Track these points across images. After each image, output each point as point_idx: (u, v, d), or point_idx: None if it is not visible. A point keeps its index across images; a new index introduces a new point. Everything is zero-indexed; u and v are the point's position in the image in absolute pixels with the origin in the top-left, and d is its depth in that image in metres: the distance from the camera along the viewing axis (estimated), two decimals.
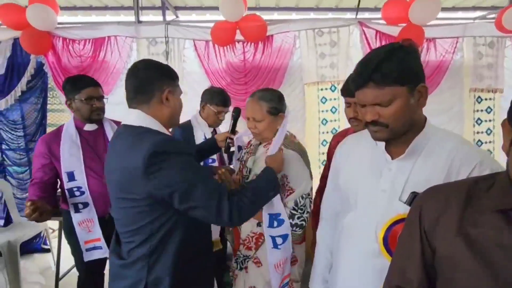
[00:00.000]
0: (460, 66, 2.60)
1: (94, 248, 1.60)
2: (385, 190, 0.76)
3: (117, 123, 1.72)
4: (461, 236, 0.55)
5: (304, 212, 1.16)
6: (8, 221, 2.58)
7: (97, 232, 1.59)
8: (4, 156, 2.77)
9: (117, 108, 2.63)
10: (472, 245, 0.54)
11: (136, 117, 0.95)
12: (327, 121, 2.73)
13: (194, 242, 0.97)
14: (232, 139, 1.39)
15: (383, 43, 2.58)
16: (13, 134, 2.74)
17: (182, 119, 1.25)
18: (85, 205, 1.56)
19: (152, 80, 0.95)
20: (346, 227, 0.86)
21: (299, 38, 2.58)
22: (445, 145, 0.73)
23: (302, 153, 1.23)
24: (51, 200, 1.48)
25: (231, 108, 1.73)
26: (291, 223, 1.15)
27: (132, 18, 2.77)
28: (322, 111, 2.70)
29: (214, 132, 1.89)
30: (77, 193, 1.55)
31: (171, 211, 0.91)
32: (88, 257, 1.59)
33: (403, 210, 0.70)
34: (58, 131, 1.60)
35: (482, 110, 2.66)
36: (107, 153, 1.02)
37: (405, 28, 2.47)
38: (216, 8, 3.56)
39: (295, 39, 2.58)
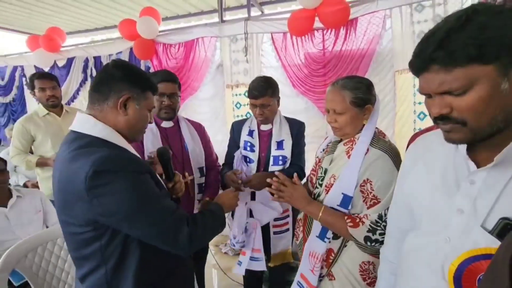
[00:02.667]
0: None
1: None
2: (463, 211, 0.54)
3: (195, 124, 1.69)
4: None
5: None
6: None
7: None
8: None
9: (203, 103, 2.89)
10: None
11: (82, 122, 0.83)
12: (425, 116, 2.25)
13: (155, 262, 0.86)
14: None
15: None
16: None
17: None
18: None
19: (111, 81, 0.84)
20: (407, 251, 0.66)
21: (390, 17, 2.20)
22: None
23: (394, 154, 1.00)
24: None
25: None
26: (370, 237, 0.95)
27: (215, 18, 2.97)
28: (419, 103, 2.24)
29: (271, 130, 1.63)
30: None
31: (120, 236, 0.79)
32: None
33: (487, 242, 0.48)
34: None
35: None
36: (56, 158, 0.86)
37: None
38: None
39: (385, 19, 2.20)
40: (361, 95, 1.02)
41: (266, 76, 1.59)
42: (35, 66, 3.76)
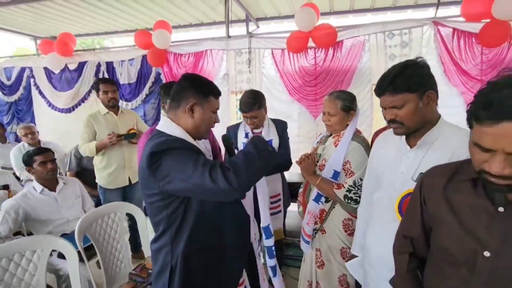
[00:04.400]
0: None
1: None
2: (403, 172, 1.02)
3: None
4: (444, 199, 0.80)
5: (359, 190, 1.42)
6: None
7: None
8: None
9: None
10: (451, 205, 0.78)
11: (163, 123, 1.06)
12: None
13: (201, 235, 1.04)
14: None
15: (462, 41, 2.52)
16: None
17: None
18: None
19: (182, 91, 1.04)
20: (374, 202, 1.14)
21: (368, 41, 2.74)
22: (452, 139, 0.94)
23: (365, 145, 1.49)
24: None
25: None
26: (347, 195, 1.42)
27: (220, 31, 3.39)
28: None
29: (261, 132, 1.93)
30: None
31: (182, 206, 0.99)
32: None
33: (413, 186, 0.96)
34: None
35: None
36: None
37: (487, 24, 2.36)
38: (292, 17, 3.95)
39: (364, 42, 2.75)
40: (348, 104, 1.51)
41: (253, 90, 1.88)
42: (44, 68, 3.99)
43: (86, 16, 3.67)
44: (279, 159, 1.76)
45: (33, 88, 4.17)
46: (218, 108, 1.11)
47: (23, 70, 4.16)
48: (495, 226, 0.68)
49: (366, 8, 3.76)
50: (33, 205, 1.98)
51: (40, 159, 2.04)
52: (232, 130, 2.02)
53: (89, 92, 3.84)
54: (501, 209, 0.68)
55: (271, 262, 1.52)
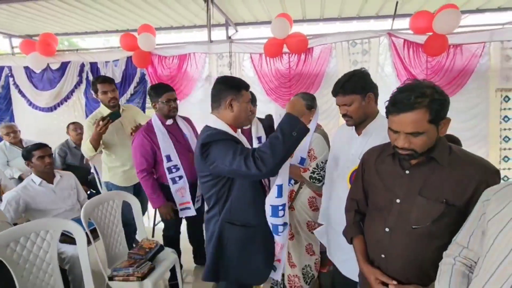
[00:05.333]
0: (487, 69, 2.85)
1: (186, 208, 2.17)
2: (353, 154, 1.38)
3: (185, 118, 2.26)
4: (375, 169, 1.15)
5: (321, 170, 1.74)
6: None
7: (188, 197, 2.12)
8: None
9: (194, 106, 3.56)
10: (378, 173, 1.14)
11: (211, 120, 1.30)
12: None
13: (240, 211, 1.30)
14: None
15: (411, 50, 2.98)
16: None
17: None
18: (180, 177, 2.09)
19: (219, 92, 1.28)
20: (334, 179, 1.49)
21: (335, 49, 3.14)
22: (385, 129, 1.30)
23: (324, 136, 1.84)
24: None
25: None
26: (312, 176, 1.73)
27: (201, 34, 3.65)
28: None
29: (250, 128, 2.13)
30: (174, 170, 2.06)
31: (227, 184, 1.26)
32: (182, 214, 2.15)
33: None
34: (149, 125, 2.07)
35: (510, 108, 2.86)
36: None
37: (430, 37, 2.84)
38: (268, 22, 4.29)
39: (331, 49, 3.14)
40: (310, 103, 1.85)
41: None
42: (25, 68, 4.01)
43: (63, 16, 3.75)
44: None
45: (12, 87, 4.15)
46: (250, 99, 1.35)
47: (1, 69, 4.14)
48: (403, 183, 1.04)
49: (334, 17, 4.19)
50: (33, 196, 2.15)
51: (38, 153, 2.20)
52: None
53: (72, 91, 3.92)
54: (407, 172, 1.04)
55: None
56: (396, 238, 1.02)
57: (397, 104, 0.94)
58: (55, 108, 4.00)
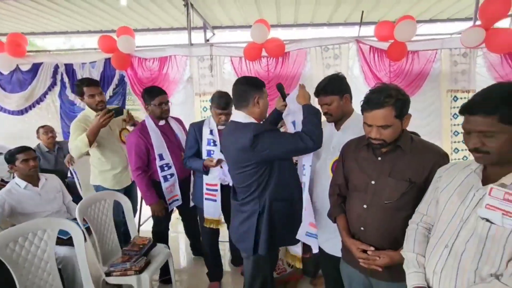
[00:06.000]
0: (439, 73, 3.27)
1: (174, 201, 2.30)
2: (334, 147, 1.59)
3: (176, 119, 2.40)
4: (354, 157, 1.37)
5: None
6: None
7: (176, 191, 2.27)
8: None
9: (176, 108, 3.62)
10: (356, 160, 1.36)
11: (241, 116, 1.48)
12: None
13: (280, 190, 1.51)
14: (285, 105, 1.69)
15: (376, 55, 3.32)
16: None
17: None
18: (172, 175, 2.22)
19: (246, 92, 1.46)
20: (317, 170, 1.69)
21: (309, 53, 3.39)
22: (359, 124, 1.54)
23: None
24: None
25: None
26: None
27: (181, 36, 3.74)
28: None
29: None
30: (166, 168, 2.18)
31: (267, 171, 1.45)
32: (171, 207, 2.28)
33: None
34: (143, 125, 2.16)
35: (458, 107, 3.29)
36: (223, 139, 1.63)
37: (392, 44, 3.19)
38: (245, 27, 4.48)
39: (306, 54, 3.40)
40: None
41: (226, 92, 2.01)
42: None
43: (30, 15, 3.63)
44: None
45: None
46: (268, 95, 1.57)
47: None
48: (375, 167, 1.27)
49: (306, 23, 4.49)
50: (18, 200, 2.12)
51: (22, 157, 2.18)
52: (197, 126, 2.11)
53: (45, 93, 3.79)
54: (379, 158, 1.27)
55: None
56: (372, 212, 1.25)
57: (370, 103, 1.17)
58: (27, 111, 3.83)
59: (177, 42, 3.73)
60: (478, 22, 2.96)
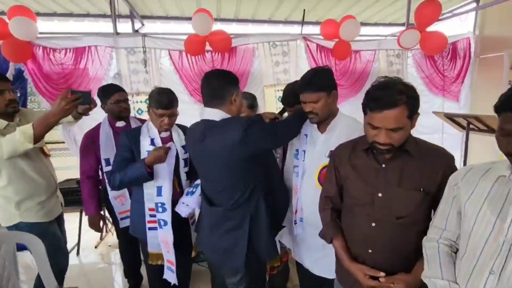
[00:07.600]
0: (378, 72, 3.44)
1: (126, 217, 1.95)
2: (320, 152, 1.37)
3: (141, 121, 2.09)
4: (350, 164, 1.16)
5: None
6: None
7: (129, 206, 1.81)
8: None
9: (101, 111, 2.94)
10: (354, 167, 1.15)
11: (216, 114, 1.28)
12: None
13: (267, 181, 1.37)
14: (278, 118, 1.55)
15: (323, 54, 3.30)
16: None
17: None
18: None
19: (222, 87, 1.28)
20: (304, 178, 1.45)
21: (257, 49, 3.16)
22: (346, 125, 1.36)
23: None
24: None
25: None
26: None
27: (100, 25, 3.07)
28: (279, 108, 3.33)
29: (171, 136, 1.70)
30: None
31: (257, 164, 1.29)
32: (122, 224, 2.00)
33: (327, 160, 1.32)
34: (97, 128, 1.99)
35: None
36: (192, 143, 1.37)
37: (337, 42, 3.21)
38: (182, 18, 3.99)
39: (254, 50, 3.15)
40: (251, 102, 1.89)
41: (168, 88, 1.65)
42: None
43: None
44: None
45: None
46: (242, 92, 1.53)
47: None
48: (380, 176, 1.08)
49: (247, 18, 4.25)
50: None
51: None
52: (131, 135, 1.65)
53: None
54: (383, 165, 1.09)
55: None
56: (382, 231, 1.06)
57: (379, 102, 0.97)
58: None
59: (98, 31, 3.04)
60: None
